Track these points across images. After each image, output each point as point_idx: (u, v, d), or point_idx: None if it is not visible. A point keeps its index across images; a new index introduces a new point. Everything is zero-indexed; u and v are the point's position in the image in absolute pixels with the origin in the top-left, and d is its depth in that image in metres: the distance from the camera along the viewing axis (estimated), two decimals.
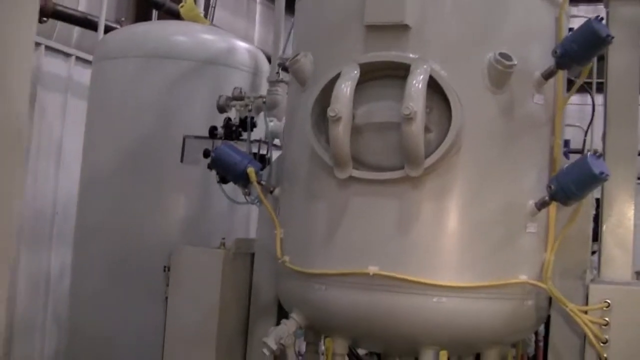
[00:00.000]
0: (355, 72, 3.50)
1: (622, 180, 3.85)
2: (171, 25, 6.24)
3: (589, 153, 3.39)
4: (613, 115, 3.91)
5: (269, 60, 5.47)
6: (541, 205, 3.56)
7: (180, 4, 6.00)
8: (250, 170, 3.93)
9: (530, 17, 3.69)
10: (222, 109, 4.46)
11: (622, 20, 3.95)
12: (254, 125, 4.42)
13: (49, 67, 7.68)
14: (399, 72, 3.47)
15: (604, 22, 3.41)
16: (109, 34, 6.31)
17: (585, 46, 3.43)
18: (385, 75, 3.58)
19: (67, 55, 7.91)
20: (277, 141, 4.83)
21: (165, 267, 4.30)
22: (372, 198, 3.52)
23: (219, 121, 4.79)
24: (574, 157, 3.57)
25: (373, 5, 3.50)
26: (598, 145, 4.18)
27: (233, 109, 4.42)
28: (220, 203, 5.31)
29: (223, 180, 4.48)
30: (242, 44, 5.89)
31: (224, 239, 4.28)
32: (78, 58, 7.96)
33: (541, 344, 4.61)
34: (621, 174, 3.83)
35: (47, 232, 7.75)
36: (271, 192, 4.03)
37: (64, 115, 7.84)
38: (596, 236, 3.98)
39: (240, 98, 4.41)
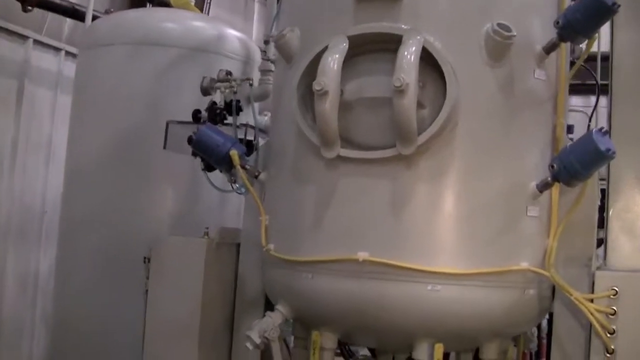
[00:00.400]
0: (344, 44, 3.28)
1: (630, 162, 3.59)
2: (160, 12, 6.06)
3: (594, 129, 3.15)
4: (618, 94, 3.66)
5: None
6: (543, 186, 3.32)
7: None
8: (233, 153, 3.70)
9: None
10: (206, 92, 4.24)
11: None
12: (240, 109, 4.19)
13: (38, 62, 7.48)
14: (391, 46, 3.23)
15: None
16: (96, 21, 6.13)
17: (589, 15, 3.19)
18: (377, 49, 3.36)
19: (57, 49, 7.72)
20: None
21: (145, 258, 4.06)
22: (362, 179, 3.29)
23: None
24: None
25: None
26: None
27: (218, 91, 4.19)
28: (211, 195, 5.11)
29: (208, 168, 4.25)
30: (233, 32, 5.69)
31: (207, 228, 4.04)
32: (68, 53, 7.76)
33: (544, 340, 4.36)
34: (628, 156, 3.57)
35: (35, 230, 7.54)
36: (256, 176, 3.80)
37: (53, 111, 7.64)
38: (602, 223, 3.74)
39: (226, 80, 4.18)
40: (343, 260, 3.25)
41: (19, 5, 6.81)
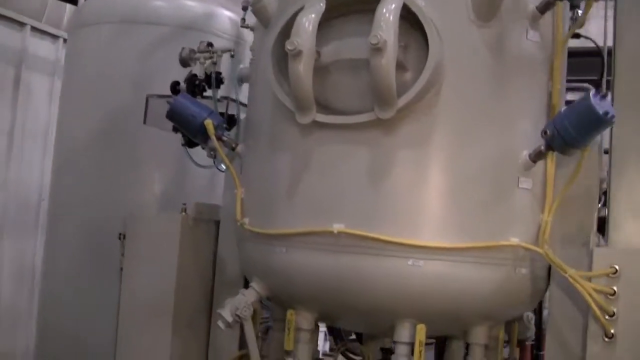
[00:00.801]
0: (320, 4, 3.06)
1: (634, 133, 3.31)
2: None
3: (592, 91, 2.88)
4: (621, 58, 3.38)
5: None
6: (536, 156, 3.06)
7: None
8: (208, 122, 3.48)
9: None
10: (185, 63, 4.02)
11: None
12: (220, 81, 3.97)
13: (35, 49, 7.34)
14: (372, 6, 3.00)
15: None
16: (86, 1, 5.93)
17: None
18: (356, 10, 3.14)
19: (55, 37, 7.57)
20: None
21: (120, 234, 3.86)
22: (338, 146, 3.07)
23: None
24: None
25: None
26: None
27: (198, 63, 3.97)
28: (200, 177, 4.93)
29: (189, 143, 4.05)
30: (224, 11, 5.47)
31: (184, 204, 3.83)
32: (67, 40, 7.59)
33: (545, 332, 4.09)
34: (632, 126, 3.30)
35: (32, 219, 7.39)
36: (233, 148, 3.58)
37: (50, 99, 7.49)
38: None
39: (206, 51, 3.97)
40: (318, 233, 3.02)
41: None
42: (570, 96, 3.75)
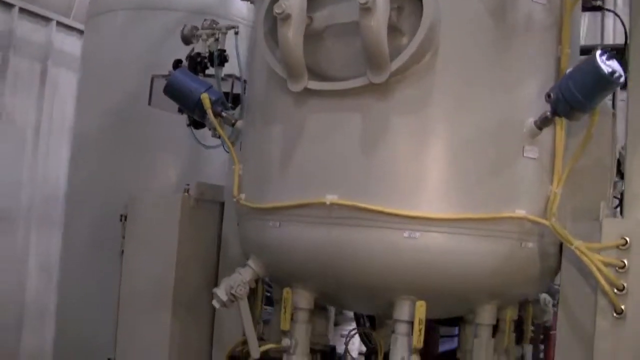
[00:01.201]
0: None
1: None
2: None
3: (598, 51, 2.70)
4: (637, 24, 3.18)
5: None
6: (542, 122, 2.89)
7: None
8: (204, 96, 3.39)
9: None
10: (186, 40, 3.94)
11: None
12: (224, 59, 3.88)
13: (62, 45, 7.38)
14: None
15: None
16: None
17: None
18: None
19: (82, 32, 7.57)
20: None
21: (121, 216, 3.79)
22: (331, 114, 2.94)
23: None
24: None
25: None
26: None
27: (200, 40, 3.89)
28: (213, 163, 4.85)
29: (195, 124, 3.97)
30: None
31: (188, 185, 3.75)
32: None
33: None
34: None
35: (58, 214, 7.38)
36: (233, 124, 3.48)
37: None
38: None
39: (210, 28, 3.89)
40: (310, 205, 2.90)
41: None
42: None
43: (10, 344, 7.03)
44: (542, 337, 4.10)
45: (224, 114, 3.49)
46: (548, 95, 2.81)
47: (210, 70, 3.91)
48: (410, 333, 2.93)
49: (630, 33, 3.17)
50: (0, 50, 6.85)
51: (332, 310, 4.89)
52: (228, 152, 3.90)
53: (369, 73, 2.80)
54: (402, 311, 2.93)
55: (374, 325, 3.96)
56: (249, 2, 3.98)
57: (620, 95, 4.26)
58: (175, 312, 3.58)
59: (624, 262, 2.77)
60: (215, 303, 3.19)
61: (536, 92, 2.97)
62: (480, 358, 3.09)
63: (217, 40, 3.86)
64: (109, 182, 5.15)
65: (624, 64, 2.77)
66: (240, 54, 3.93)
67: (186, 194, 3.71)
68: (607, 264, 2.77)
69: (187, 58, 3.89)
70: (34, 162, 7.21)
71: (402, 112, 2.85)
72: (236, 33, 3.97)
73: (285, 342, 3.14)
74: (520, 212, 2.88)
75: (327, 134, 2.94)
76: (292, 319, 3.15)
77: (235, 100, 3.87)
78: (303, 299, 3.13)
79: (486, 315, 3.06)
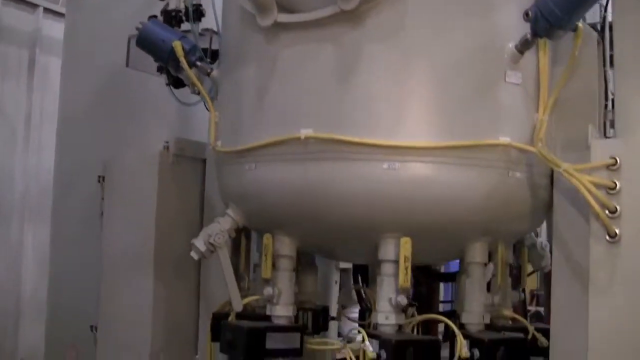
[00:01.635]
0: None
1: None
2: None
3: None
4: None
5: None
6: (522, 45, 2.77)
7: None
8: (176, 44, 3.28)
9: None
10: None
11: None
12: (200, 13, 3.77)
13: (50, 31, 7.25)
14: None
15: None
16: None
17: None
18: None
19: None
20: None
21: (99, 177, 3.67)
22: (303, 47, 2.83)
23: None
24: None
25: None
26: None
27: None
28: (203, 128, 4.73)
29: (175, 83, 3.86)
30: None
31: (167, 142, 3.62)
32: None
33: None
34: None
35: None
36: (208, 74, 3.37)
37: None
38: None
39: None
40: (285, 141, 2.78)
41: None
42: None
43: (9, 338, 6.92)
44: None
45: (198, 63, 3.37)
46: (526, 14, 2.68)
47: (187, 26, 3.79)
48: (396, 273, 2.80)
49: None
50: None
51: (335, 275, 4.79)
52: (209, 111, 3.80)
53: (338, 0, 2.68)
54: (387, 250, 2.82)
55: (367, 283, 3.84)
56: None
57: None
58: (158, 275, 3.47)
59: (615, 183, 2.64)
60: (193, 254, 3.07)
61: (516, 17, 2.82)
62: (473, 297, 2.96)
63: None
64: (98, 161, 5.02)
65: None
66: (217, 8, 3.80)
67: (165, 150, 3.59)
68: (597, 185, 2.63)
69: (161, 13, 3.77)
70: (25, 152, 7.09)
71: (376, 40, 2.73)
72: None
73: (268, 291, 3.02)
74: (505, 140, 2.75)
75: (299, 68, 2.82)
76: (274, 268, 3.04)
77: (214, 56, 3.75)
78: (284, 245, 3.01)
79: (477, 253, 2.94)
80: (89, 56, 5.16)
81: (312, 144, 2.73)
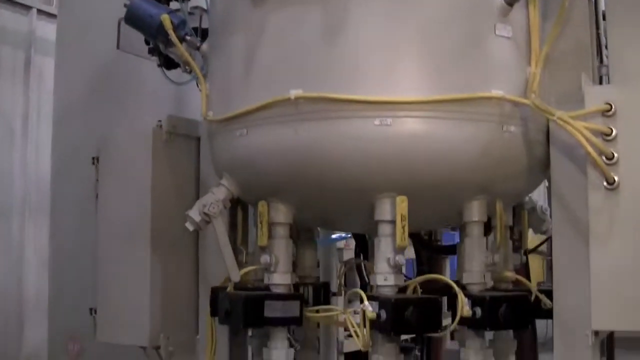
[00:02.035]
0: None
1: None
2: None
3: None
4: None
5: None
6: None
7: None
8: (165, 17, 3.24)
9: None
10: None
11: None
12: None
13: (44, 32, 7.26)
14: None
15: None
16: None
17: None
18: None
19: None
20: None
21: (93, 158, 3.64)
22: (290, 9, 2.80)
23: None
24: None
25: None
26: None
27: None
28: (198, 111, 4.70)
29: (166, 64, 3.84)
30: None
31: (160, 121, 3.59)
32: None
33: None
34: None
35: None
36: (198, 48, 3.34)
37: None
38: None
39: None
40: (275, 104, 2.75)
41: None
42: None
43: (12, 337, 6.89)
44: None
45: (188, 37, 3.35)
46: None
47: (176, 5, 3.76)
48: (393, 233, 2.77)
49: None
50: None
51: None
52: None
53: None
54: (383, 210, 2.78)
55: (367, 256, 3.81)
56: None
57: None
58: (155, 252, 3.42)
59: (611, 129, 2.60)
60: (188, 225, 3.04)
61: None
62: (473, 256, 2.92)
63: None
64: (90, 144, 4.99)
65: None
66: None
67: (158, 127, 3.56)
68: (593, 131, 2.59)
69: None
70: (24, 151, 7.09)
71: None
72: None
73: (264, 258, 2.98)
74: (498, 92, 2.72)
75: (287, 30, 2.79)
76: (270, 236, 3.00)
77: (204, 35, 3.72)
78: (280, 213, 2.97)
79: (474, 212, 2.90)
80: (81, 45, 5.15)
81: (302, 104, 2.69)
